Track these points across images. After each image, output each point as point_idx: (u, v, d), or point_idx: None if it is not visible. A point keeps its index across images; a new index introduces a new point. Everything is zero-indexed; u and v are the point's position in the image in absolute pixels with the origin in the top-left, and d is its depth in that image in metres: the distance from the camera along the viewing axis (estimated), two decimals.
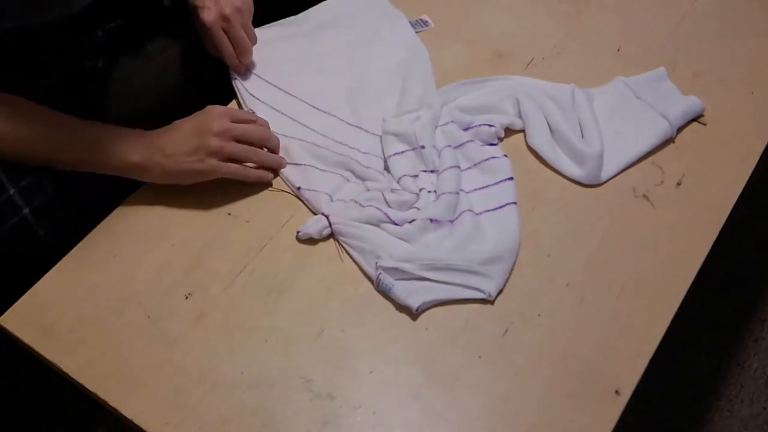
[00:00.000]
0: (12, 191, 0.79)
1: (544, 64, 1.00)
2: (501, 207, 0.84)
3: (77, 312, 0.78)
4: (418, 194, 0.85)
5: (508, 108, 0.93)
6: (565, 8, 1.06)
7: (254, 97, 0.95)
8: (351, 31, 1.04)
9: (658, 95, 0.95)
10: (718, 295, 1.51)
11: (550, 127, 0.91)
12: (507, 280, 0.79)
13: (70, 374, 0.74)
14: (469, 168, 0.88)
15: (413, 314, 0.77)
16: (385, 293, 0.78)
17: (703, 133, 0.93)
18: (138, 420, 0.71)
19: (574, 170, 0.88)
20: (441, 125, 0.91)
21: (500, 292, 0.79)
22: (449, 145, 0.89)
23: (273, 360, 0.75)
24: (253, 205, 0.83)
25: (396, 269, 0.78)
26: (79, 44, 0.90)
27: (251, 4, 0.94)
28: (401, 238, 0.82)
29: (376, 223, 0.82)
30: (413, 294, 0.77)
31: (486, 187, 0.87)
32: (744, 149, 0.91)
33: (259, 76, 0.97)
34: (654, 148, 0.91)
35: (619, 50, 1.02)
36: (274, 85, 0.96)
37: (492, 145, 0.90)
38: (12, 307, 0.78)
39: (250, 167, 0.84)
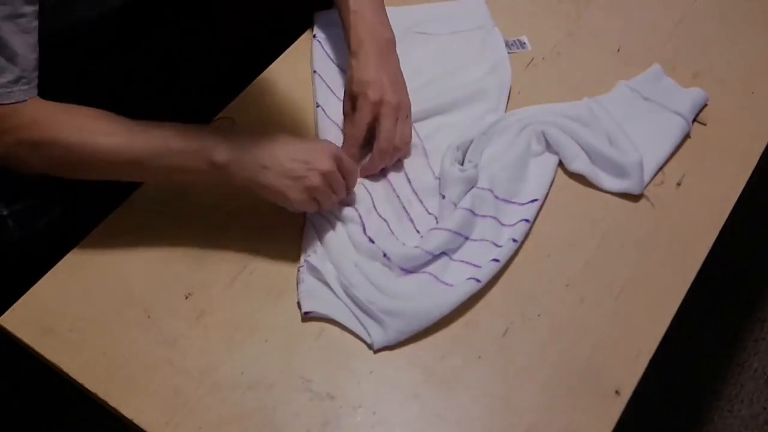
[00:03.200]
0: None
1: (544, 64, 1.00)
2: (459, 282, 0.79)
3: (77, 312, 0.78)
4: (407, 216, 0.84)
5: (537, 150, 0.89)
6: (565, 8, 1.06)
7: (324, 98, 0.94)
8: (441, 41, 1.02)
9: (663, 93, 0.94)
10: (718, 295, 1.51)
11: (581, 147, 0.89)
12: (402, 339, 0.75)
13: (70, 374, 0.74)
14: (471, 240, 0.82)
15: None
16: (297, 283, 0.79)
17: (703, 133, 0.93)
18: (138, 420, 0.71)
19: (617, 183, 0.86)
20: (478, 187, 0.84)
21: (390, 348, 0.75)
22: (471, 211, 0.82)
23: (273, 360, 0.75)
24: (253, 205, 0.82)
25: (316, 269, 0.78)
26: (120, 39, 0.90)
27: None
28: (354, 242, 0.81)
29: (344, 221, 0.83)
30: (312, 298, 0.77)
31: (471, 264, 0.80)
32: (744, 149, 0.91)
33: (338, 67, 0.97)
34: (677, 146, 0.90)
35: (619, 50, 1.02)
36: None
37: (510, 226, 0.84)
38: (12, 307, 0.78)
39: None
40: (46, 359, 0.75)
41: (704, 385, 1.43)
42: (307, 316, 0.77)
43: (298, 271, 0.80)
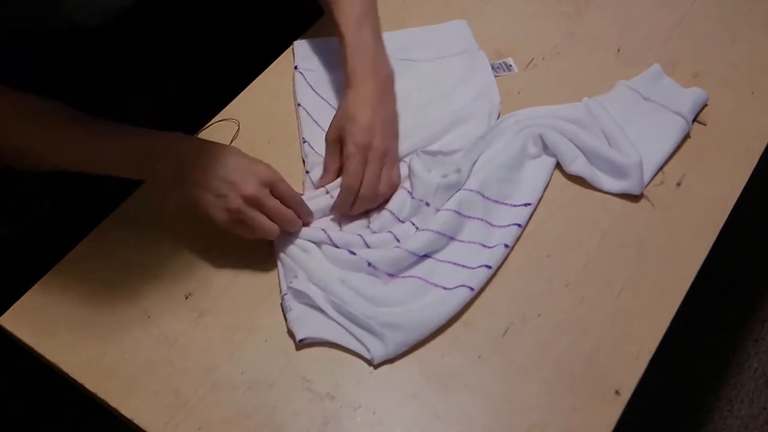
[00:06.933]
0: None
1: (544, 64, 1.00)
2: (453, 288, 0.78)
3: (77, 312, 0.78)
4: (390, 232, 0.82)
5: (534, 152, 0.89)
6: (565, 8, 1.07)
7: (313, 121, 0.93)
8: (426, 68, 1.00)
9: (663, 93, 0.94)
10: (718, 295, 1.52)
11: (579, 149, 0.88)
12: (401, 351, 0.75)
13: (70, 374, 0.74)
14: (458, 241, 0.82)
15: None
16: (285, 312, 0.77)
17: (703, 133, 0.93)
18: (138, 420, 0.71)
19: (616, 184, 0.86)
20: (466, 189, 0.83)
21: (390, 361, 0.75)
22: (458, 212, 0.82)
23: (273, 360, 0.75)
24: None
25: (304, 293, 0.76)
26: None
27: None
28: (333, 259, 0.79)
29: (318, 243, 0.80)
30: (304, 325, 0.75)
31: (459, 265, 0.80)
32: (744, 149, 0.91)
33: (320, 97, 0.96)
34: (677, 146, 0.90)
35: (619, 50, 1.02)
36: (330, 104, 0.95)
37: (501, 227, 0.83)
38: (12, 307, 0.78)
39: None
40: (46, 359, 0.75)
41: (704, 385, 1.43)
42: (302, 344, 0.75)
43: (283, 299, 0.78)
